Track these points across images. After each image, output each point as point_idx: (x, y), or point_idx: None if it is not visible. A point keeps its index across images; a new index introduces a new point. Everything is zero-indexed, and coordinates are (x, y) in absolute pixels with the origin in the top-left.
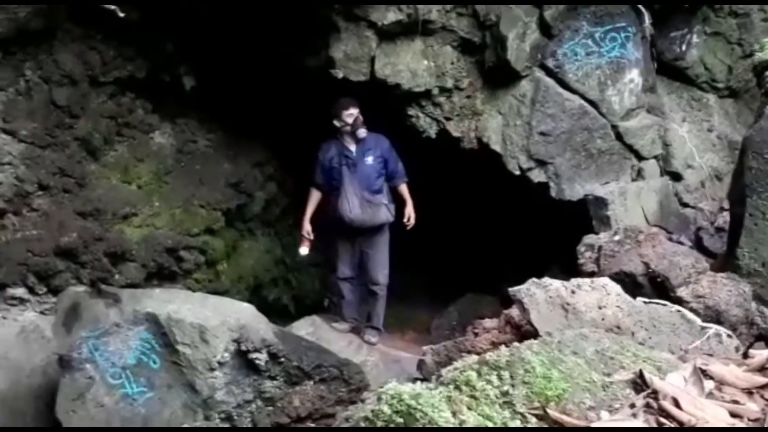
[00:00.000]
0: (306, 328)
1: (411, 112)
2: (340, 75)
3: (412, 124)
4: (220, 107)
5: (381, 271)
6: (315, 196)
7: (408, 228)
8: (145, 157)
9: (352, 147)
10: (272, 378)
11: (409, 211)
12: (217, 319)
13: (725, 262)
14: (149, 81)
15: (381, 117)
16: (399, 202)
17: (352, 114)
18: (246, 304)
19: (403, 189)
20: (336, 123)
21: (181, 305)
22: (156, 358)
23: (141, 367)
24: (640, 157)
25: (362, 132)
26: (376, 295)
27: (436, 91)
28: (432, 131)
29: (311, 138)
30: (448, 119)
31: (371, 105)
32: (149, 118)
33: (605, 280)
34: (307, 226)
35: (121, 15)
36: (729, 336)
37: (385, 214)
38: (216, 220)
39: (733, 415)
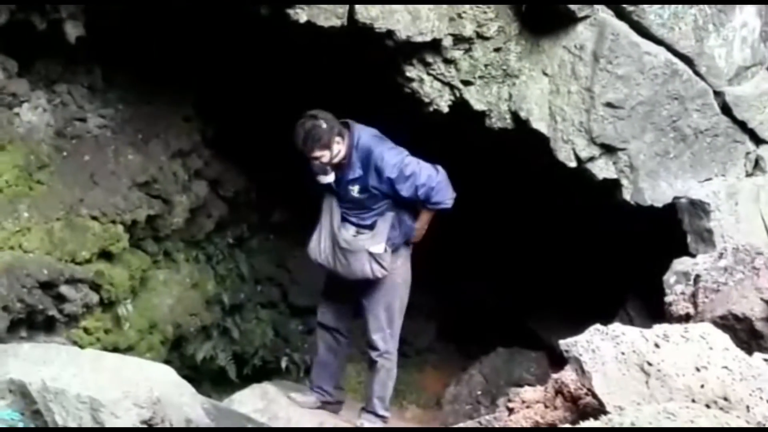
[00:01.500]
0: (254, 402)
1: (411, 73)
2: (303, 18)
3: (412, 92)
4: (122, 68)
5: (379, 333)
6: None
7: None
8: (8, 144)
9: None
10: None
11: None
12: (117, 389)
13: None
14: (13, 28)
15: (364, 87)
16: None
17: (316, 157)
18: (162, 367)
19: (424, 216)
20: None
21: (62, 369)
22: None
23: None
24: (758, 140)
25: (321, 179)
26: (373, 366)
27: (448, 42)
28: (443, 102)
29: (261, 117)
30: (467, 84)
31: (351, 67)
32: (13, 84)
33: (706, 327)
34: None
35: None
36: None
37: (366, 266)
38: (115, 239)
39: None
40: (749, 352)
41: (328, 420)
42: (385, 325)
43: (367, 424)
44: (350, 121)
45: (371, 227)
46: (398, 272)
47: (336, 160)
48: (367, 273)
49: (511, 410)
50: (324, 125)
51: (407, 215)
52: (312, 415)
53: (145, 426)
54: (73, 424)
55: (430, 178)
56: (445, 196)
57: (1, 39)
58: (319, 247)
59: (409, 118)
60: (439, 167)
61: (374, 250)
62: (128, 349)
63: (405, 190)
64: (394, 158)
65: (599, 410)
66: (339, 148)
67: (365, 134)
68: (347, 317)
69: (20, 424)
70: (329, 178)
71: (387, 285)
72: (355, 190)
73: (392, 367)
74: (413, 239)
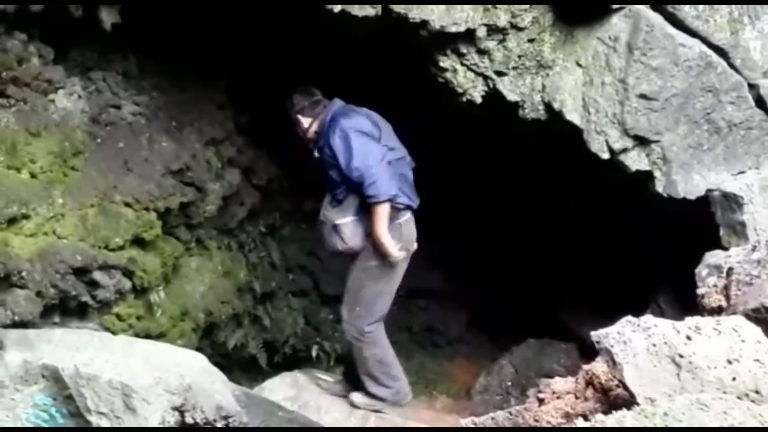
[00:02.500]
0: (285, 390)
1: (444, 63)
2: (337, 8)
3: (445, 82)
4: (157, 55)
5: (345, 305)
6: None
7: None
8: (43, 131)
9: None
10: None
11: (380, 249)
12: (149, 376)
13: None
14: (49, 15)
15: (398, 76)
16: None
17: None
18: (194, 354)
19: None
20: None
21: (95, 355)
22: None
23: None
24: None
25: (314, 153)
26: (351, 345)
27: (482, 32)
28: (476, 93)
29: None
30: (500, 74)
31: (384, 57)
32: (49, 71)
33: (738, 320)
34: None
35: None
36: None
37: (332, 238)
38: (149, 226)
39: None
40: None
41: (357, 410)
42: (350, 299)
43: (357, 400)
44: (336, 99)
45: (342, 201)
46: (376, 256)
47: (309, 135)
48: (333, 245)
49: (541, 401)
50: (293, 101)
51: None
52: (342, 404)
53: (176, 411)
54: (105, 410)
55: (365, 166)
56: (379, 191)
57: (37, 26)
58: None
59: (442, 112)
60: (383, 162)
61: (337, 221)
62: (160, 336)
63: (344, 165)
64: (343, 127)
65: (630, 402)
66: (307, 124)
67: (336, 107)
68: None
69: (53, 409)
70: (316, 153)
71: (361, 264)
72: (325, 164)
73: (367, 349)
74: (383, 252)
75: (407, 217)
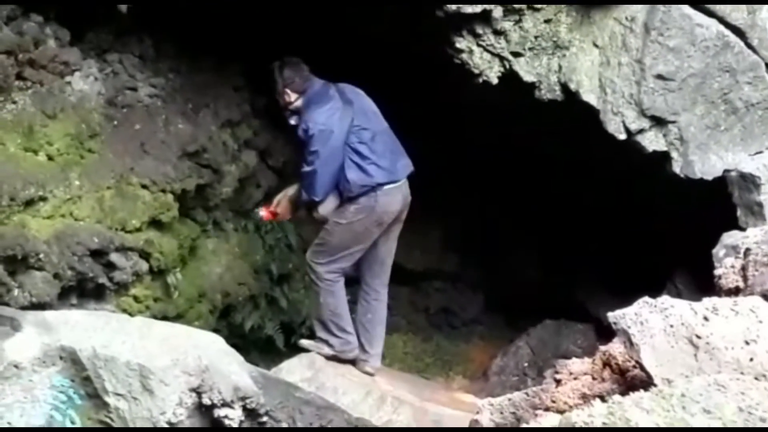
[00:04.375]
0: (302, 371)
1: (460, 44)
2: None
3: (462, 63)
4: (173, 37)
5: (311, 250)
6: None
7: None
8: (59, 113)
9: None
10: None
11: (279, 205)
12: (166, 357)
13: None
14: None
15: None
16: None
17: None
18: (211, 335)
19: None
20: None
21: (112, 336)
22: (75, 416)
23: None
24: None
25: (291, 120)
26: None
27: (498, 13)
28: (492, 73)
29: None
30: (516, 55)
31: (400, 39)
32: (66, 53)
33: (756, 301)
34: None
35: None
36: None
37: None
38: (165, 208)
39: None
40: None
41: (375, 390)
42: (317, 246)
43: (303, 342)
44: (314, 79)
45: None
46: (345, 214)
47: (291, 107)
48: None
49: (558, 382)
50: (283, 74)
51: (368, 165)
52: (359, 385)
53: (194, 392)
54: (122, 391)
55: (307, 173)
56: (308, 191)
57: (53, 8)
58: None
59: (458, 94)
60: (321, 166)
61: None
62: (177, 318)
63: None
64: (308, 122)
65: (647, 382)
66: (293, 99)
67: (314, 93)
68: (369, 271)
69: (70, 391)
70: (291, 120)
71: (333, 216)
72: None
73: (324, 295)
74: (279, 203)
75: (386, 189)
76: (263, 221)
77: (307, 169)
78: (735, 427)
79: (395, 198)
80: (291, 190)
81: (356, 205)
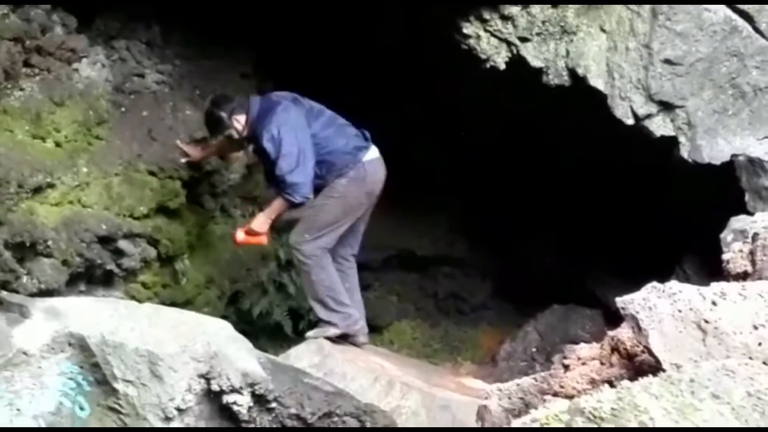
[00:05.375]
0: (310, 357)
1: (468, 30)
2: None
3: (468, 49)
4: (180, 24)
5: (295, 232)
6: None
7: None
8: (67, 100)
9: None
10: None
11: (253, 223)
12: (175, 343)
13: None
14: None
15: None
16: None
17: (228, 137)
18: (219, 322)
19: (275, 203)
20: None
21: (120, 323)
22: (84, 402)
23: (61, 415)
24: None
25: (249, 149)
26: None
27: None
28: (500, 59)
29: (318, 74)
30: (524, 40)
31: (408, 25)
32: (73, 40)
33: (764, 285)
34: None
35: None
36: None
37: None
38: (173, 195)
39: None
40: None
41: (383, 376)
42: (301, 226)
43: (309, 334)
44: (252, 97)
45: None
46: (336, 188)
47: (245, 134)
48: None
49: (566, 367)
50: (221, 111)
51: (337, 141)
52: (367, 371)
53: (202, 378)
54: (131, 378)
55: (288, 171)
56: (294, 195)
57: None
58: None
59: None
60: (302, 163)
61: None
62: (185, 304)
63: (273, 163)
64: (269, 128)
65: (656, 367)
66: (242, 123)
67: (259, 105)
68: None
69: (79, 377)
70: (250, 149)
71: (321, 195)
72: (260, 157)
73: (314, 272)
74: (253, 221)
75: (369, 157)
76: (239, 245)
77: (288, 173)
78: (739, 427)
79: (380, 167)
80: (261, 215)
81: (346, 179)
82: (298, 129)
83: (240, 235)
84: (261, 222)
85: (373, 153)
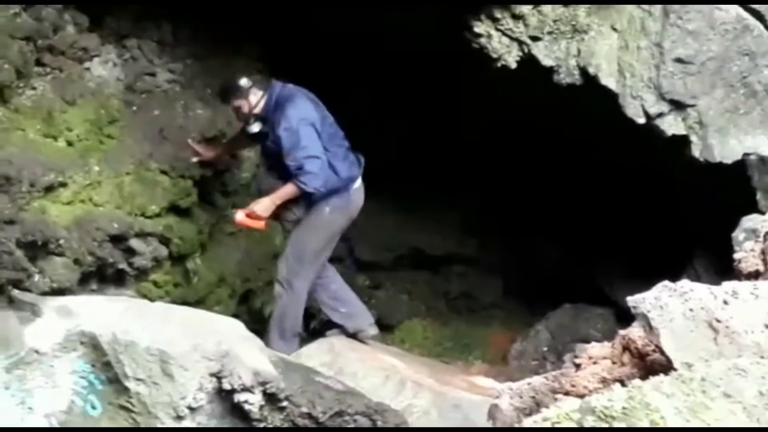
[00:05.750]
0: (321, 356)
1: (479, 29)
2: None
3: (480, 48)
4: (191, 23)
5: (284, 261)
6: None
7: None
8: (78, 99)
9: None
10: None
11: (256, 205)
12: (187, 342)
13: None
14: None
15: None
16: None
17: (236, 107)
18: (231, 320)
19: (287, 187)
20: None
21: (132, 322)
22: (96, 401)
23: (73, 414)
24: None
25: (249, 129)
26: (275, 295)
27: None
28: (511, 58)
29: (328, 73)
30: (535, 39)
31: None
32: (84, 39)
33: None
34: None
35: None
36: None
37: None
38: (185, 193)
39: None
40: None
41: (394, 375)
42: (291, 256)
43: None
44: (274, 81)
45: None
46: (321, 218)
47: (256, 111)
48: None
49: (578, 366)
50: (242, 79)
51: (337, 163)
52: (379, 369)
53: (214, 377)
54: (142, 376)
55: (306, 158)
56: (308, 183)
57: None
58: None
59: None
60: (322, 157)
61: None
62: (197, 303)
63: (286, 154)
64: (289, 117)
65: (667, 367)
66: (256, 99)
67: (283, 91)
68: None
69: (91, 376)
70: (255, 128)
71: (306, 224)
72: (268, 146)
73: (289, 301)
74: (257, 203)
75: (356, 185)
76: (237, 225)
77: (307, 162)
78: (751, 426)
79: (361, 193)
80: (266, 199)
81: (329, 207)
82: (315, 125)
83: (239, 216)
84: (265, 206)
85: (359, 180)
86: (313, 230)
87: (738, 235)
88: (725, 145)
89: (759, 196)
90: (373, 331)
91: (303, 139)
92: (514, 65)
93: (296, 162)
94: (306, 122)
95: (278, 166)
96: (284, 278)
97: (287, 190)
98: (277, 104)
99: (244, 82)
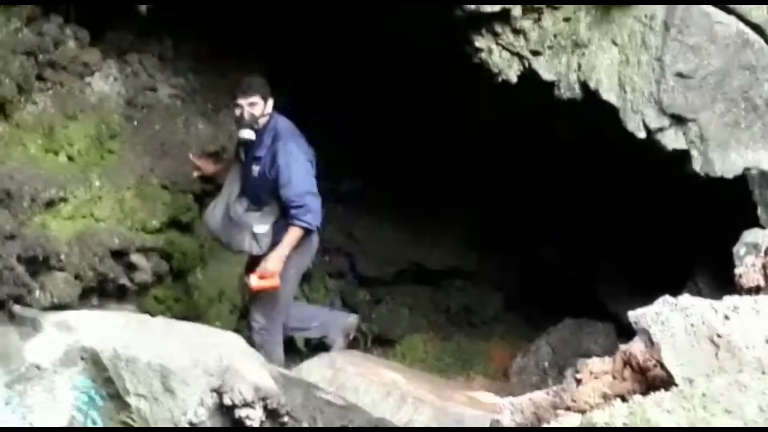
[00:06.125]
0: (322, 371)
1: (480, 43)
2: None
3: (481, 62)
4: (192, 38)
5: (260, 311)
6: None
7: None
8: (79, 113)
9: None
10: None
11: (268, 263)
12: (188, 357)
13: None
14: None
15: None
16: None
17: (238, 106)
18: (231, 335)
19: (291, 233)
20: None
21: (133, 337)
22: (97, 417)
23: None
24: None
25: (244, 133)
26: (254, 344)
27: (517, 12)
28: (511, 72)
29: (330, 86)
30: (536, 54)
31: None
32: (85, 54)
33: None
34: None
35: None
36: None
37: (245, 241)
38: (186, 209)
39: None
40: None
41: (395, 390)
42: (267, 304)
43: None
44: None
45: (262, 207)
46: (293, 262)
47: (262, 119)
48: (244, 247)
49: (579, 381)
50: (259, 84)
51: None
52: (379, 385)
53: (215, 392)
54: (143, 392)
55: (306, 193)
56: (311, 221)
57: (73, 9)
58: (213, 212)
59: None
60: (315, 192)
61: (257, 230)
62: (198, 318)
63: (283, 186)
64: (292, 151)
65: (668, 382)
66: (268, 108)
67: (284, 122)
68: None
69: (92, 391)
70: (250, 134)
71: (282, 274)
72: (255, 171)
73: (273, 345)
74: (266, 262)
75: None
76: (252, 293)
77: (307, 195)
78: (744, 427)
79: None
80: (274, 254)
81: (296, 250)
82: (312, 164)
83: (254, 281)
84: (276, 260)
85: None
86: (288, 279)
87: (739, 249)
88: (726, 159)
89: (760, 210)
90: (355, 320)
91: (307, 175)
92: (514, 80)
93: (299, 199)
94: (307, 159)
95: (258, 195)
96: (260, 327)
97: (292, 237)
98: (277, 133)
99: (262, 91)
